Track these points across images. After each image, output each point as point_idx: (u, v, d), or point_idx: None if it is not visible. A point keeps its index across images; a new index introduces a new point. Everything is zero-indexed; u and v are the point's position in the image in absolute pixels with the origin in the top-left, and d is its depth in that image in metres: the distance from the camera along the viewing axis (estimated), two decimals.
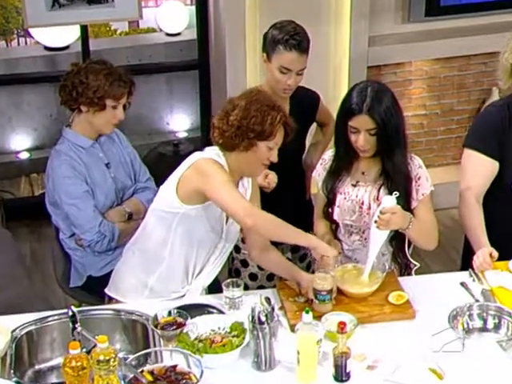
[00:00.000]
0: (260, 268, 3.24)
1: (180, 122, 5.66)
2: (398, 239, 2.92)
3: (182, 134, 5.60)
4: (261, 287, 3.25)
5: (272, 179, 3.07)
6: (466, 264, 2.95)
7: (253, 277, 3.31)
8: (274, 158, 2.67)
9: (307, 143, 3.43)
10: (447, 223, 4.72)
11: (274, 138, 2.63)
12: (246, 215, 2.52)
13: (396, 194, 2.71)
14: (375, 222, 2.71)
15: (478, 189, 2.97)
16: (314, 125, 3.46)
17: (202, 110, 5.07)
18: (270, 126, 2.59)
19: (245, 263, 3.31)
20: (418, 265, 2.97)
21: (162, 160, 4.87)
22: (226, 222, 2.72)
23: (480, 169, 2.99)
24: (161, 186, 2.76)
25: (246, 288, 3.23)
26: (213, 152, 2.67)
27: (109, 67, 3.04)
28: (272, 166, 2.86)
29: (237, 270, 3.34)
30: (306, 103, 3.27)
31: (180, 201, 2.63)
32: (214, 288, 2.87)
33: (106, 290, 2.88)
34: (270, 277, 3.25)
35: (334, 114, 2.89)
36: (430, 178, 2.93)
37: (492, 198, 3.00)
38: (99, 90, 2.98)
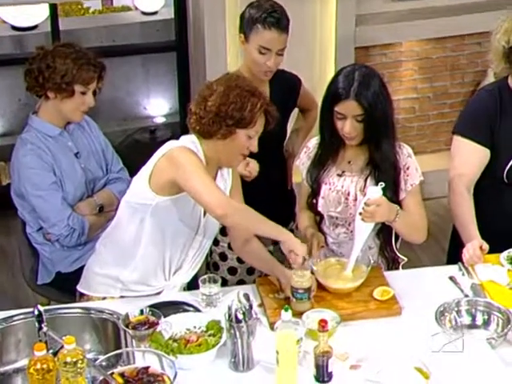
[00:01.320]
0: (240, 261, 3.26)
1: (157, 106, 5.66)
2: (385, 232, 2.94)
3: (160, 120, 5.60)
4: (241, 282, 3.27)
5: (253, 168, 3.08)
6: (454, 257, 2.97)
7: (232, 271, 3.33)
8: (254, 147, 2.68)
9: (288, 130, 3.45)
10: (440, 213, 4.75)
11: (254, 126, 2.64)
12: (218, 205, 2.53)
13: (382, 184, 2.73)
14: (360, 214, 2.73)
15: (468, 177, 2.99)
16: (296, 110, 3.47)
17: (181, 93, 5.07)
18: (249, 113, 2.60)
19: (223, 257, 3.32)
20: (406, 259, 3.00)
21: (138, 147, 4.88)
22: (204, 215, 2.73)
23: (470, 157, 3.01)
24: (134, 177, 2.77)
25: (225, 283, 3.25)
26: (188, 140, 2.68)
27: (77, 50, 3.04)
28: (252, 154, 2.88)
29: (215, 263, 3.35)
30: (286, 87, 3.28)
31: (153, 192, 2.64)
32: (193, 284, 2.89)
33: (78, 287, 2.89)
34: (251, 270, 3.27)
35: (320, 99, 2.89)
36: (423, 164, 2.95)
37: (483, 190, 3.02)
38: (67, 74, 2.98)
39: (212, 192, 2.55)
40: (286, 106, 3.26)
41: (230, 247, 3.18)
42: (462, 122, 3.08)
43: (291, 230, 3.36)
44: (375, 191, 2.73)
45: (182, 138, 2.72)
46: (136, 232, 2.71)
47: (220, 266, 3.34)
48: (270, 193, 3.25)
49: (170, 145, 2.66)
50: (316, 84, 3.89)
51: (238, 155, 2.70)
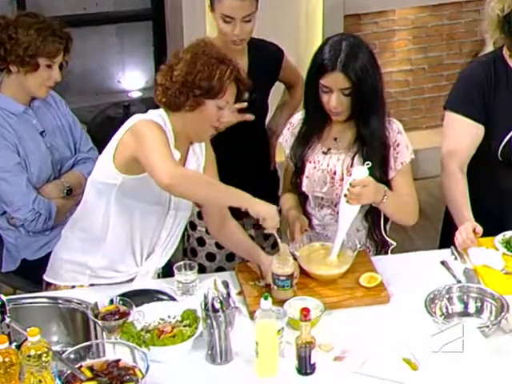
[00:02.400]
0: (219, 247, 3.28)
1: (132, 80, 5.64)
2: (374, 213, 2.96)
3: (135, 94, 5.59)
4: (219, 269, 3.30)
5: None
6: (447, 240, 3.00)
7: (210, 257, 3.35)
8: (225, 118, 2.69)
9: (273, 106, 3.45)
10: (435, 193, 4.77)
11: (224, 96, 2.64)
12: (164, 173, 2.49)
13: (368, 164, 2.75)
14: (345, 195, 2.75)
15: (461, 155, 3.01)
16: (282, 86, 3.47)
17: (157, 66, 5.03)
18: (218, 82, 2.61)
19: (201, 242, 3.34)
20: (395, 244, 3.03)
21: (111, 124, 4.82)
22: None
23: (463, 134, 3.03)
24: (100, 155, 2.78)
25: (204, 270, 3.28)
26: (155, 114, 2.69)
27: (41, 20, 3.03)
28: (230, 132, 2.88)
29: (193, 249, 3.37)
30: (266, 58, 3.28)
31: (117, 170, 2.65)
32: (167, 271, 2.90)
33: (44, 276, 2.90)
34: (230, 257, 3.30)
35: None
36: (417, 141, 2.99)
37: (475, 169, 3.04)
38: (30, 46, 2.97)
39: (162, 160, 2.51)
40: (265, 79, 3.26)
41: (207, 231, 3.20)
42: (454, 97, 3.09)
43: None
44: (361, 171, 2.74)
45: (150, 111, 2.72)
46: (103, 214, 2.73)
47: (198, 252, 3.36)
48: (251, 174, 3.27)
49: (136, 118, 2.67)
50: (302, 56, 3.88)
51: (208, 128, 2.70)
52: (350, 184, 2.73)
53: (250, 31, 3.15)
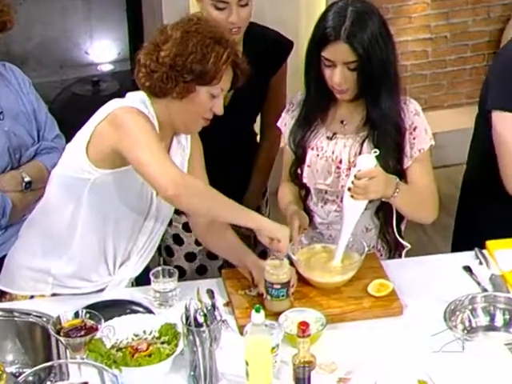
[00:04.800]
0: (198, 243, 3.30)
1: (102, 50, 5.65)
2: (385, 210, 2.98)
3: (106, 68, 5.60)
4: (201, 268, 3.34)
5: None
6: (462, 240, 3.00)
7: (190, 257, 3.38)
8: (218, 109, 2.70)
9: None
10: (459, 184, 4.78)
11: (219, 83, 2.65)
12: (168, 182, 2.52)
13: (376, 151, 2.76)
14: (349, 189, 2.76)
15: None
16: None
17: (132, 34, 5.06)
18: (213, 66, 2.62)
19: (178, 239, 3.37)
20: (409, 246, 3.05)
21: (78, 103, 4.88)
22: (157, 194, 2.73)
23: None
24: (68, 144, 2.78)
25: (183, 273, 3.31)
26: (136, 98, 2.69)
27: None
28: (220, 124, 2.86)
29: (168, 248, 3.40)
30: (268, 52, 3.25)
31: (91, 163, 2.66)
32: (142, 279, 2.92)
33: None
34: (213, 254, 3.32)
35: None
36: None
37: None
38: None
39: (162, 165, 2.55)
40: (264, 68, 3.23)
41: (185, 228, 3.21)
42: (499, 94, 3.05)
43: (258, 207, 3.40)
44: (367, 160, 2.75)
45: (129, 95, 2.73)
46: (71, 214, 2.74)
47: (175, 252, 3.39)
48: (240, 165, 3.32)
49: (114, 104, 2.67)
50: (301, 27, 3.88)
51: (199, 119, 2.71)
52: (355, 176, 2.74)
53: (247, 17, 3.13)
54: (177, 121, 2.72)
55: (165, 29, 2.67)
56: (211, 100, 2.68)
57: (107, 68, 5.60)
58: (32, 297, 2.84)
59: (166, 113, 2.70)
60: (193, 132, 2.82)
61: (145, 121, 2.62)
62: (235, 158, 3.30)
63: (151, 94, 2.68)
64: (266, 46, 3.26)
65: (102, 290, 2.85)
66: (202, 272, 3.39)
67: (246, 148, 3.40)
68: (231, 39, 2.71)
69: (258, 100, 3.32)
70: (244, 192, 3.37)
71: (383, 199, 2.85)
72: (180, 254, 3.38)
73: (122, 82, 5.04)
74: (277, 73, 3.34)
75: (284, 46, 3.35)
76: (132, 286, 2.94)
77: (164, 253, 3.40)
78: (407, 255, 3.09)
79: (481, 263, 2.93)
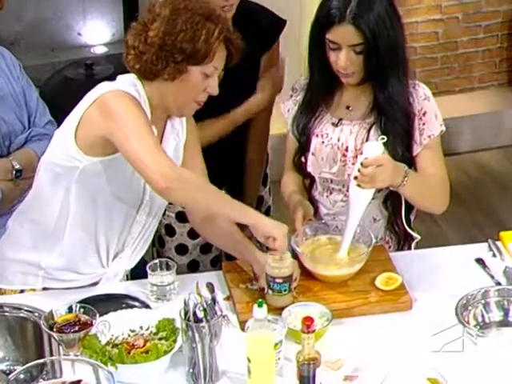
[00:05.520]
0: (191, 237, 3.32)
1: (96, 32, 5.64)
2: (394, 199, 2.99)
3: (100, 50, 5.59)
4: (193, 264, 3.35)
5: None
6: None
7: (181, 249, 3.39)
8: (213, 89, 2.69)
9: None
10: (471, 172, 4.79)
11: (212, 61, 2.65)
12: (160, 174, 2.52)
13: (383, 138, 2.76)
14: (355, 178, 2.76)
15: None
16: None
17: (127, 15, 5.06)
18: (205, 44, 2.61)
19: (170, 230, 3.37)
20: (419, 237, 3.05)
21: (70, 88, 4.86)
22: None
23: None
24: (56, 130, 2.78)
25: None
26: (127, 81, 2.69)
27: None
28: (213, 106, 2.86)
29: (160, 238, 3.41)
30: (260, 31, 3.24)
31: (79, 151, 2.66)
32: (139, 272, 2.93)
33: None
34: (206, 248, 3.33)
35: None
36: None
37: None
38: None
39: (153, 156, 2.54)
40: (259, 45, 3.23)
41: (178, 218, 3.21)
42: None
43: (260, 197, 3.40)
44: (374, 147, 2.75)
45: (120, 77, 2.73)
46: (60, 204, 2.74)
47: (166, 243, 3.40)
48: (234, 151, 3.33)
49: (103, 88, 2.66)
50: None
51: (192, 100, 2.71)
52: (362, 163, 2.74)
53: None
54: (169, 104, 2.71)
55: (153, 7, 2.67)
56: (205, 80, 2.67)
57: (101, 50, 5.59)
58: (22, 291, 2.85)
59: (158, 96, 2.69)
60: (186, 115, 2.81)
61: (135, 106, 2.61)
62: (230, 139, 3.28)
63: (142, 77, 2.68)
64: (257, 24, 3.26)
65: (95, 284, 2.86)
66: (193, 268, 3.40)
67: (241, 129, 3.40)
68: (223, 15, 2.71)
69: (251, 79, 3.31)
70: (241, 173, 3.36)
71: (391, 188, 2.86)
72: (171, 245, 3.39)
73: (117, 65, 4.99)
74: (268, 51, 3.33)
75: (276, 23, 3.35)
76: (127, 279, 2.94)
77: (157, 243, 3.41)
78: (417, 247, 3.10)
79: (494, 255, 2.94)
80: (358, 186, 2.76)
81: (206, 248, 3.34)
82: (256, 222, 2.65)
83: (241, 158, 3.41)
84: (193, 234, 3.29)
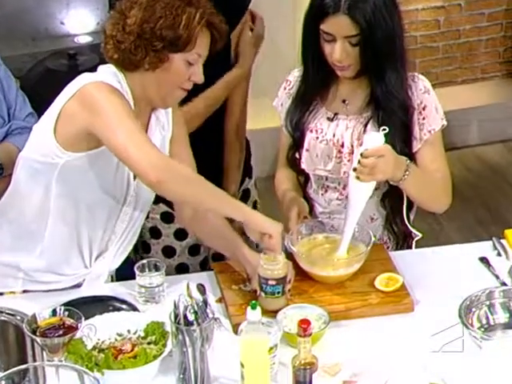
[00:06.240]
0: (178, 238, 3.32)
1: (80, 20, 5.63)
2: (393, 196, 2.99)
3: (84, 39, 5.57)
4: (181, 267, 3.35)
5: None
6: None
7: (168, 252, 3.39)
8: (198, 76, 2.69)
9: None
10: (474, 167, 4.80)
11: (195, 48, 2.64)
12: (149, 167, 2.52)
13: (384, 129, 2.76)
14: (354, 169, 2.75)
15: None
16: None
17: (112, 2, 5.04)
18: (186, 30, 2.61)
19: (155, 232, 3.37)
20: (420, 235, 3.06)
21: (53, 79, 4.85)
22: (135, 178, 2.75)
23: None
24: (35, 124, 2.77)
25: None
26: (108, 72, 2.69)
27: None
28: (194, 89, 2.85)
29: (145, 243, 3.40)
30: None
31: (59, 146, 2.65)
32: (126, 272, 2.93)
33: None
34: (194, 250, 3.34)
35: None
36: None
37: None
38: None
39: (141, 148, 2.54)
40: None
41: (164, 219, 3.22)
42: None
43: (246, 190, 3.40)
44: (375, 138, 2.75)
45: (101, 68, 2.72)
46: (40, 202, 2.74)
47: (151, 246, 3.39)
48: (217, 141, 3.32)
49: (83, 80, 2.66)
50: None
51: (176, 89, 2.71)
52: (361, 154, 2.72)
53: None
54: (152, 95, 2.71)
55: None
56: (188, 68, 2.67)
57: (85, 40, 5.57)
58: (1, 294, 2.85)
59: (141, 87, 2.69)
60: (170, 106, 2.81)
61: (118, 98, 2.61)
62: (211, 128, 3.28)
63: (122, 68, 2.68)
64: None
65: (78, 286, 2.86)
66: (182, 271, 3.39)
67: (220, 115, 3.40)
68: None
69: (222, 61, 3.29)
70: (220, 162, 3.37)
71: (391, 183, 2.86)
72: (157, 249, 3.38)
73: (102, 56, 5.02)
74: (234, 28, 3.29)
75: None
76: (112, 280, 2.95)
77: (140, 249, 3.40)
78: (417, 246, 3.11)
79: (499, 254, 2.95)
80: (358, 178, 2.74)
81: (194, 250, 3.35)
82: (249, 218, 2.65)
83: (218, 147, 3.39)
84: (180, 235, 3.29)
